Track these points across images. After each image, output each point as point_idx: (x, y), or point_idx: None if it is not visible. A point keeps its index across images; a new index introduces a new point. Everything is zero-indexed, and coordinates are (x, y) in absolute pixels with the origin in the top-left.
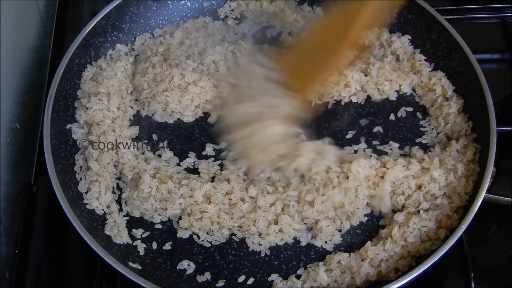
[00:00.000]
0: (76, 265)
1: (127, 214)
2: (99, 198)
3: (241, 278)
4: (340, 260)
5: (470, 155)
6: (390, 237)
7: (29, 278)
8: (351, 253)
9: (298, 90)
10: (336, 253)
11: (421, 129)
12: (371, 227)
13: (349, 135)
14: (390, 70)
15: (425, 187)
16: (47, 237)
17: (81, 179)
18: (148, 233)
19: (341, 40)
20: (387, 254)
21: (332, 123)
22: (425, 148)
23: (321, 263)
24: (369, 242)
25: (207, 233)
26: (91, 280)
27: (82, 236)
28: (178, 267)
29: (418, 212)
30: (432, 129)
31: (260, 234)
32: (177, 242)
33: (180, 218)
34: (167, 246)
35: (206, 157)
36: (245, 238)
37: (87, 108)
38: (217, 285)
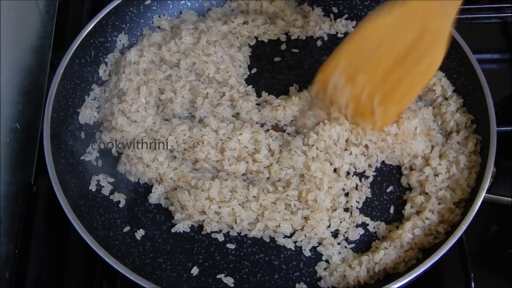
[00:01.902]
0: (76, 265)
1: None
2: None
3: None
4: (342, 258)
5: (472, 146)
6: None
7: (29, 278)
8: (351, 250)
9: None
10: (339, 253)
11: None
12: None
13: None
14: None
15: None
16: (47, 237)
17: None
18: (148, 233)
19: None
20: (391, 251)
21: None
22: None
23: (322, 262)
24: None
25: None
26: (91, 280)
27: (82, 236)
28: (178, 267)
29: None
30: None
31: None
32: (177, 242)
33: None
34: (167, 246)
35: None
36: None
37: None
38: (218, 285)
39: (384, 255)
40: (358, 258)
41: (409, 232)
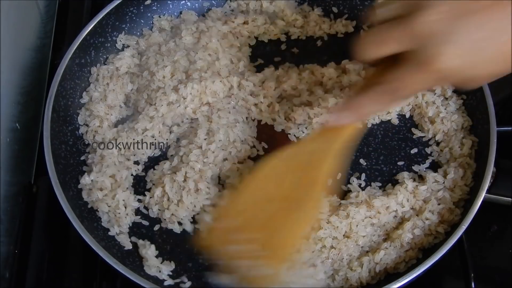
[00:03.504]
0: (76, 265)
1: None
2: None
3: None
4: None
5: (467, 149)
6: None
7: (29, 278)
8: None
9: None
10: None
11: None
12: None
13: None
14: None
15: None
16: (47, 237)
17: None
18: (148, 233)
19: (317, 176)
20: (391, 251)
21: None
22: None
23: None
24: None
25: None
26: (91, 280)
27: (82, 236)
28: (178, 267)
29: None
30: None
31: None
32: (177, 242)
33: None
34: (167, 246)
35: None
36: None
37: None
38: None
39: (385, 255)
40: (359, 259)
41: (409, 232)
